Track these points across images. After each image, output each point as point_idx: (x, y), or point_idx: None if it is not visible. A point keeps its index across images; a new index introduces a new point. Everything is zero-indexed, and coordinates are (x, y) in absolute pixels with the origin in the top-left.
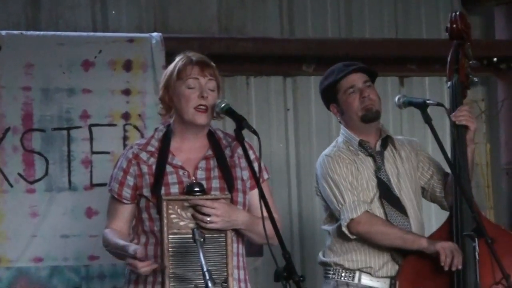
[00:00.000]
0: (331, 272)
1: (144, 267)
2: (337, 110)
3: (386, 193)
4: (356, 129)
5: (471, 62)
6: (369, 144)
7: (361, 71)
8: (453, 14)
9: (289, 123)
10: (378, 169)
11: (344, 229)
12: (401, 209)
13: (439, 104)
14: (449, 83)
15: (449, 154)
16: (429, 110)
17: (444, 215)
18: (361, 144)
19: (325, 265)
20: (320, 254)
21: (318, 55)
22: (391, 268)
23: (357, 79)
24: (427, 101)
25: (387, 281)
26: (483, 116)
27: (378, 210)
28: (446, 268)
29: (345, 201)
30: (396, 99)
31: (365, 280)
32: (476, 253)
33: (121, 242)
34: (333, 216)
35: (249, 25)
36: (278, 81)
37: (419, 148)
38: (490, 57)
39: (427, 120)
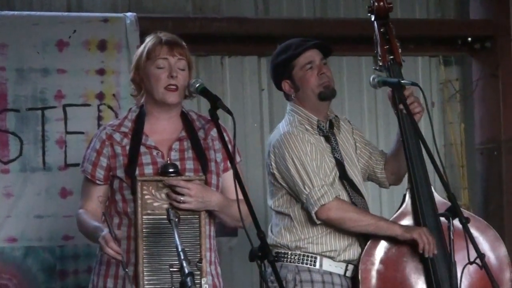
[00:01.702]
0: (289, 256)
1: (112, 249)
2: (290, 86)
3: (344, 175)
4: (310, 108)
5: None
6: (324, 125)
7: (320, 47)
8: None
9: (263, 103)
10: (333, 149)
11: (313, 215)
12: (357, 191)
13: (414, 84)
14: (386, 65)
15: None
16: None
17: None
18: (318, 124)
19: (280, 247)
20: (272, 235)
21: (293, 35)
22: (354, 251)
23: (315, 55)
24: (402, 81)
25: (343, 265)
26: (458, 95)
27: (342, 192)
28: (426, 255)
29: (313, 185)
30: (371, 78)
31: (326, 265)
32: (451, 233)
33: (94, 222)
34: (290, 197)
35: (224, 5)
36: (253, 61)
37: (353, 127)
38: (465, 36)
39: (402, 99)
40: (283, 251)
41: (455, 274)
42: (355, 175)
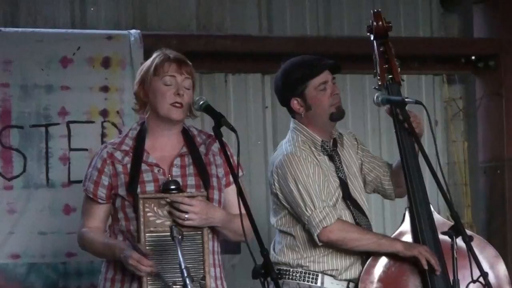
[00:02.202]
0: (291, 273)
1: (148, 267)
2: (300, 105)
3: (347, 194)
4: (318, 128)
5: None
6: (329, 144)
7: (335, 68)
8: (375, 11)
9: (267, 121)
10: (337, 169)
11: (315, 237)
12: (361, 210)
13: (418, 102)
14: (385, 84)
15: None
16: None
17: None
18: (323, 144)
19: (282, 265)
20: (274, 253)
21: (297, 53)
22: (355, 270)
23: (328, 76)
24: (406, 99)
25: (345, 284)
26: (461, 114)
27: (344, 212)
28: (436, 270)
29: (315, 207)
30: (375, 97)
31: (327, 283)
32: (455, 251)
33: (105, 240)
34: (292, 217)
35: (228, 22)
36: (257, 79)
37: (358, 142)
38: (469, 55)
39: (406, 117)
40: (285, 268)
41: None
42: (359, 194)
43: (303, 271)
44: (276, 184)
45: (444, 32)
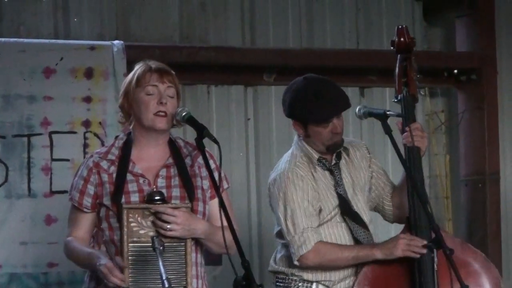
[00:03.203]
0: (286, 281)
1: (117, 278)
2: (301, 129)
3: (346, 209)
4: (316, 148)
5: (418, 75)
6: (327, 159)
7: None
8: (399, 27)
9: (249, 133)
10: (337, 184)
11: (296, 263)
12: (362, 223)
13: (400, 115)
14: (399, 96)
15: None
16: (389, 121)
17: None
18: (320, 160)
19: (279, 273)
20: (273, 263)
21: (279, 65)
22: (350, 281)
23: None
24: (388, 112)
25: None
26: (443, 127)
27: (340, 226)
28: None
29: (295, 232)
30: (357, 109)
31: None
32: (435, 264)
33: (87, 249)
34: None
35: (211, 34)
36: (239, 91)
37: (370, 155)
38: (451, 68)
39: (387, 131)
40: (282, 277)
41: None
42: (362, 207)
43: (298, 279)
44: (269, 199)
45: (426, 45)
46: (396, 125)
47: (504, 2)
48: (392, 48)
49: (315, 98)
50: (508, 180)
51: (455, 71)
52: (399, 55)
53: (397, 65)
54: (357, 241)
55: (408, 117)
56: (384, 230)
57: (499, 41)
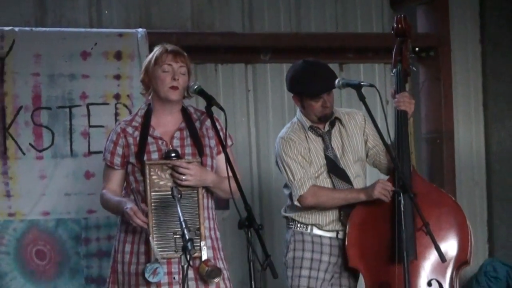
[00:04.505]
0: (291, 223)
1: (139, 219)
2: (298, 102)
3: (334, 168)
4: (311, 118)
5: (411, 55)
6: (319, 127)
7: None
8: (399, 16)
9: (249, 102)
10: (326, 147)
11: (296, 203)
12: (346, 179)
13: (371, 85)
14: (394, 70)
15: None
16: (363, 90)
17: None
18: (311, 128)
19: (286, 218)
20: (282, 210)
21: (273, 47)
22: (336, 224)
23: (322, 96)
24: (361, 83)
25: (333, 233)
26: (413, 97)
27: (326, 181)
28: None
29: (294, 179)
30: (336, 81)
31: (316, 231)
32: (401, 205)
33: (116, 198)
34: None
35: (217, 22)
36: (241, 68)
37: (365, 123)
38: (413, 47)
39: (361, 98)
40: (288, 221)
41: (410, 234)
42: (350, 165)
43: (297, 221)
44: (275, 158)
45: None
46: (390, 93)
47: None
48: (392, 32)
49: (309, 77)
50: (460, 137)
51: (417, 49)
52: (397, 38)
53: (396, 45)
54: None
55: (399, 88)
56: None
57: (452, 24)
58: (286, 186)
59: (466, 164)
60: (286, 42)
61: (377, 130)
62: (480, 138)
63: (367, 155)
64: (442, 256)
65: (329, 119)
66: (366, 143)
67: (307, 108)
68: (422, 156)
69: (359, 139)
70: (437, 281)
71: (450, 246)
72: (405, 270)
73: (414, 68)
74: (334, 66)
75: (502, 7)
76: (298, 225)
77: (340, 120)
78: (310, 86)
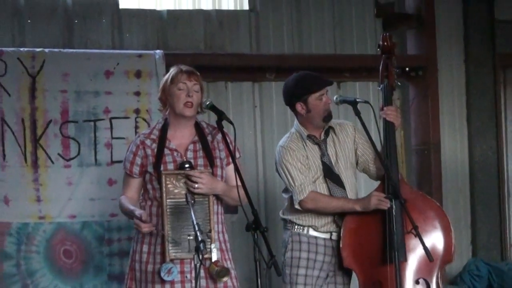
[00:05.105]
0: (288, 225)
1: (145, 228)
2: (303, 108)
3: (329, 173)
4: (313, 126)
5: (396, 70)
6: (315, 136)
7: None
8: (384, 35)
9: (256, 116)
10: (323, 154)
11: (297, 207)
12: (340, 184)
13: (366, 102)
14: (381, 85)
15: (377, 140)
16: (358, 106)
17: (369, 183)
18: (309, 137)
19: (284, 220)
20: (280, 213)
21: (278, 66)
22: (331, 226)
23: (324, 90)
24: (357, 99)
25: (328, 234)
26: (399, 110)
27: (322, 186)
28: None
29: (295, 184)
30: (334, 98)
31: (312, 232)
32: (393, 210)
33: (131, 206)
34: (287, 188)
35: (227, 44)
36: (248, 86)
37: (355, 133)
38: (404, 67)
39: (357, 113)
40: (286, 222)
41: (401, 238)
42: (343, 171)
43: (295, 223)
44: (276, 167)
45: None
46: (379, 108)
47: (442, 19)
48: (378, 50)
49: (309, 77)
50: (446, 148)
51: (407, 68)
52: (383, 55)
53: (382, 62)
54: None
55: (386, 102)
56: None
57: (439, 46)
58: (285, 190)
59: (452, 173)
60: (289, 62)
61: (370, 140)
62: (464, 150)
63: (357, 163)
64: (430, 256)
65: (331, 118)
66: (356, 151)
67: (313, 110)
68: (412, 166)
69: (350, 147)
70: (424, 279)
71: (435, 247)
72: (397, 270)
73: (399, 83)
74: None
75: (484, 31)
76: (296, 226)
77: (333, 130)
78: (313, 82)
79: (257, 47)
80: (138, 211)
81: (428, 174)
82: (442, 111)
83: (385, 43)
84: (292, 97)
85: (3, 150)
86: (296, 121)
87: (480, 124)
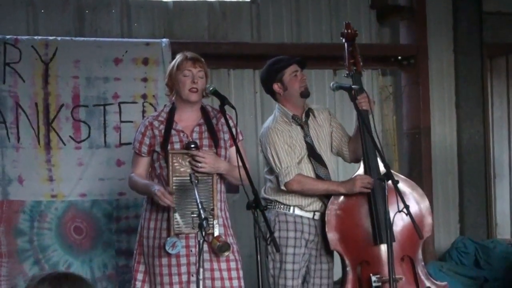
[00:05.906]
0: (272, 205)
1: (168, 200)
2: (280, 87)
3: (312, 153)
4: (292, 104)
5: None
6: (299, 117)
7: (299, 63)
8: (346, 23)
9: (257, 102)
10: (306, 135)
11: (283, 188)
12: (323, 163)
13: (361, 88)
14: (350, 73)
15: (374, 125)
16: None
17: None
18: (293, 117)
19: (267, 200)
20: (262, 192)
21: (277, 55)
22: (316, 205)
23: (297, 68)
24: (352, 86)
25: (311, 213)
26: (391, 96)
27: (308, 165)
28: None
29: (281, 166)
30: (331, 85)
31: (297, 211)
32: (386, 191)
33: (144, 181)
34: (272, 169)
35: (230, 33)
36: (250, 73)
37: (331, 117)
38: (396, 56)
39: (352, 99)
40: (269, 202)
41: (389, 218)
42: (324, 152)
43: (279, 203)
44: (261, 147)
45: (379, 40)
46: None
47: (432, 11)
48: (341, 38)
49: (281, 59)
50: (436, 132)
51: (399, 57)
52: (346, 43)
53: (346, 50)
54: (318, 177)
55: (359, 87)
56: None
57: (429, 36)
58: (269, 171)
59: (441, 156)
60: (288, 51)
61: (366, 126)
62: (453, 134)
63: (333, 146)
64: (420, 234)
65: (308, 95)
66: (331, 134)
67: (290, 87)
68: (404, 149)
69: (327, 130)
70: (408, 256)
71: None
72: (389, 248)
73: (363, 69)
74: (329, 72)
75: (473, 22)
76: (281, 206)
77: (313, 112)
78: (282, 60)
79: (258, 36)
80: (156, 185)
81: (419, 157)
82: (432, 97)
83: (349, 31)
84: (267, 81)
85: (18, 133)
86: (277, 105)
87: (468, 109)
